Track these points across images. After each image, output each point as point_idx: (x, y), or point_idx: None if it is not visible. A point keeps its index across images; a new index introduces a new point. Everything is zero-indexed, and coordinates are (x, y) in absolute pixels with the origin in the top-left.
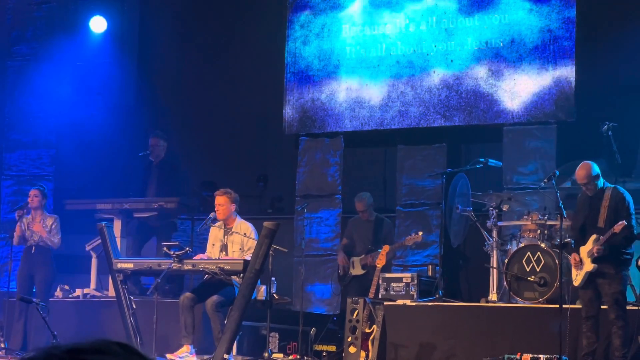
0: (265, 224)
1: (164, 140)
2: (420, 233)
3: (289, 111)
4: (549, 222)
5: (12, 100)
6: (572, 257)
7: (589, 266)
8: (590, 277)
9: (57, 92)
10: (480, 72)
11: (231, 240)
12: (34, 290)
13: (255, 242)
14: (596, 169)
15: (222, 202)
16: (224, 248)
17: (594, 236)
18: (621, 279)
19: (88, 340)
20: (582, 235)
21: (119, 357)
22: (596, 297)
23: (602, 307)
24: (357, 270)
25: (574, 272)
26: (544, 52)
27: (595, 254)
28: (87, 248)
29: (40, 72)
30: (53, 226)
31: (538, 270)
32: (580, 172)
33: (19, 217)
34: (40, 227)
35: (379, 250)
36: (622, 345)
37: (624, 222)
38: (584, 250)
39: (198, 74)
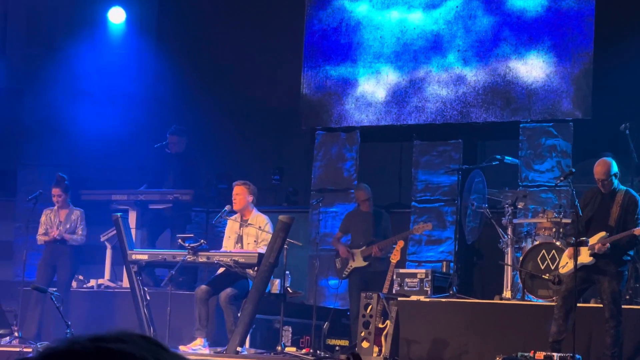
0: (281, 217)
1: (184, 137)
2: (430, 223)
3: (305, 105)
4: (564, 220)
5: (30, 89)
6: (568, 250)
7: (586, 258)
8: (587, 272)
9: (74, 82)
10: (498, 69)
11: (247, 233)
12: (55, 280)
13: (270, 235)
14: (615, 167)
15: (239, 192)
16: (240, 240)
17: (602, 233)
18: (621, 278)
19: (110, 331)
20: (586, 230)
21: (140, 347)
22: (580, 292)
23: (579, 304)
24: (358, 262)
25: (564, 259)
26: (562, 50)
27: (597, 251)
28: (102, 239)
29: (59, 62)
30: (79, 220)
31: (553, 268)
32: (599, 168)
33: (46, 216)
34: (62, 230)
35: (394, 246)
36: (612, 345)
37: None
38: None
39: (216, 66)
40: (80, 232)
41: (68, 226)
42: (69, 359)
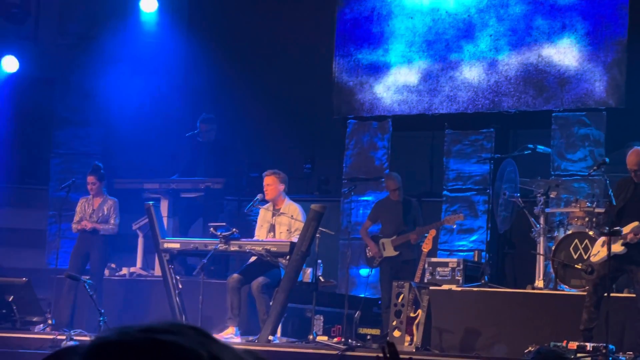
0: (313, 206)
1: (213, 125)
2: (462, 214)
3: (337, 94)
4: (597, 210)
5: (63, 78)
6: (600, 238)
7: (618, 248)
8: (619, 261)
9: (107, 71)
10: (530, 57)
11: (279, 222)
12: (87, 268)
13: (303, 224)
14: None
15: (270, 182)
16: (272, 229)
17: (635, 223)
18: None
19: (160, 322)
20: (618, 219)
21: (190, 338)
22: (611, 280)
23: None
24: (388, 252)
25: (596, 247)
26: (595, 39)
27: (629, 241)
28: (134, 227)
29: (91, 51)
30: (112, 210)
31: (585, 257)
32: (632, 158)
33: (81, 205)
34: (94, 221)
35: (425, 235)
36: None
37: None
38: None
39: (247, 54)
40: (112, 222)
41: (100, 215)
42: (119, 350)
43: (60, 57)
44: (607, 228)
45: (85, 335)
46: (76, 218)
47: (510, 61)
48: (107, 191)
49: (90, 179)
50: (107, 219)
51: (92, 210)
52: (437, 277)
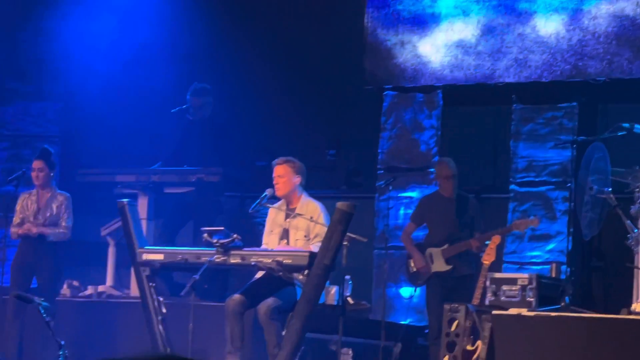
0: (339, 205)
1: (208, 98)
2: (537, 218)
3: (370, 57)
4: None
5: (11, 39)
6: None
7: None
8: None
9: (68, 26)
10: (626, 8)
11: (294, 225)
12: (35, 286)
13: (325, 228)
14: None
15: (282, 174)
16: (285, 234)
17: None
18: None
19: (150, 354)
20: None
21: None
22: None
23: None
24: (438, 266)
25: None
26: None
27: None
28: (103, 233)
29: (50, 6)
30: (63, 208)
31: None
32: None
33: (22, 202)
34: (41, 224)
35: (487, 243)
36: None
37: None
38: None
39: (255, 8)
40: (64, 224)
41: (48, 214)
42: None
43: (5, 7)
44: None
45: None
46: (16, 219)
47: (600, 13)
48: (57, 184)
49: (37, 163)
50: (57, 220)
51: (38, 209)
52: (503, 298)
